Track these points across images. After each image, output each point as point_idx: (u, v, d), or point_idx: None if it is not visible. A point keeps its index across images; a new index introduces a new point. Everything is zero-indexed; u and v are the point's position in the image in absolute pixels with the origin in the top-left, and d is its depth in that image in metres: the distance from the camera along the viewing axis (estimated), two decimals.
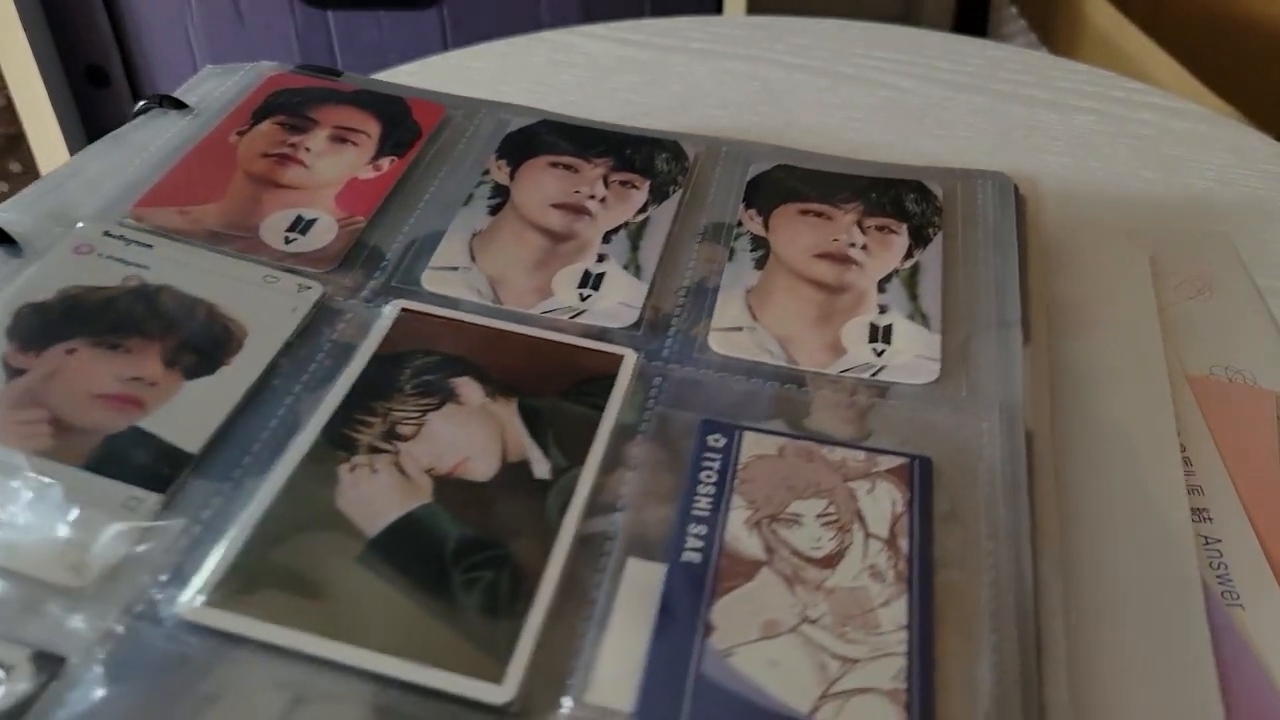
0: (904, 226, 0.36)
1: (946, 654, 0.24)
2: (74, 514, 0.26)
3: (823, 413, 0.30)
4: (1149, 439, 0.32)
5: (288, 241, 0.34)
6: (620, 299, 0.33)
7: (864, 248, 0.35)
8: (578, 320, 0.33)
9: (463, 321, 0.32)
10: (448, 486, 0.27)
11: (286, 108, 0.40)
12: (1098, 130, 0.49)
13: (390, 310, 0.32)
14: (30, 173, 1.07)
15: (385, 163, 0.38)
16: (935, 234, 0.36)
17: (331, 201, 0.36)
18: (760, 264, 0.35)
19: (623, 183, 0.38)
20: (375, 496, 0.27)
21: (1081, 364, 0.34)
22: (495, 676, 0.23)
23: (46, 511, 0.26)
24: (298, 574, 0.25)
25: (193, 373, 0.30)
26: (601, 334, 0.32)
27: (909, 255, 0.35)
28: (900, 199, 0.37)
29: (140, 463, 0.27)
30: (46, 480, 0.26)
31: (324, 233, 0.35)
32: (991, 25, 1.00)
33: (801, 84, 0.53)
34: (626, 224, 0.36)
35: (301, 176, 0.37)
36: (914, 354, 0.31)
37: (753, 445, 0.29)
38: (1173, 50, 0.75)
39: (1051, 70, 0.54)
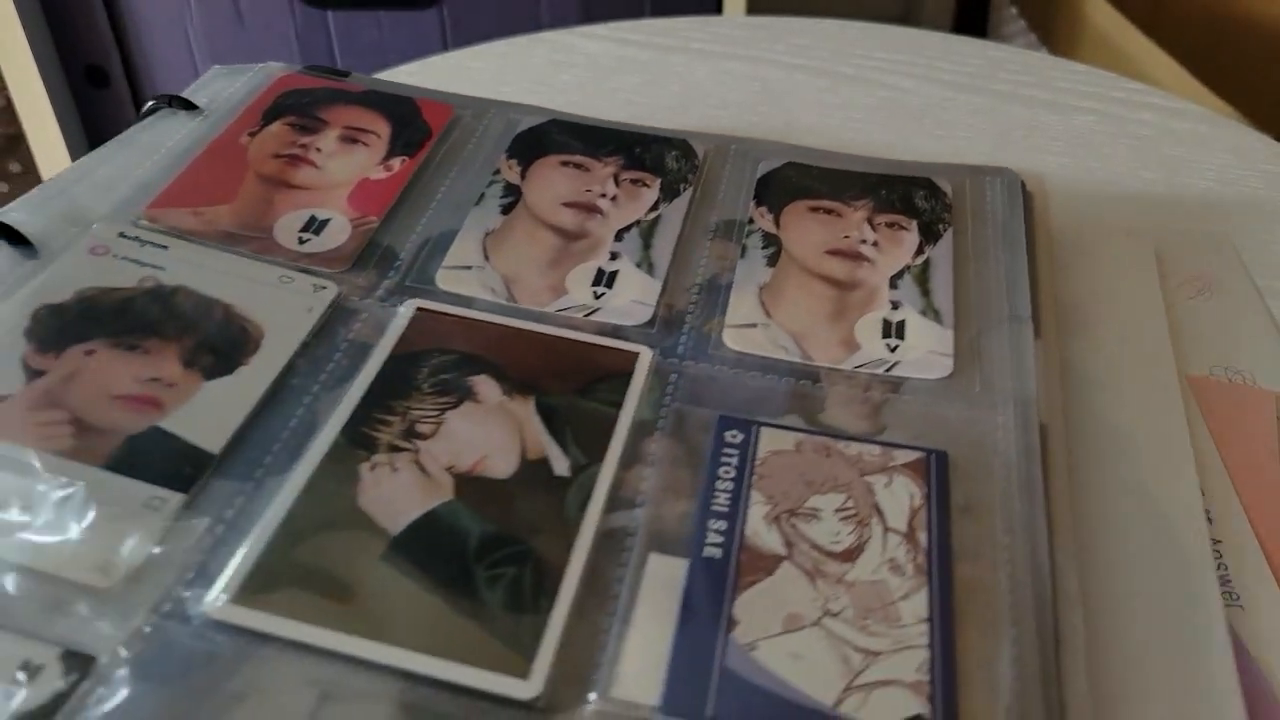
0: (914, 223, 0.36)
1: (966, 647, 0.24)
2: (98, 514, 0.26)
3: (837, 408, 0.30)
4: (1160, 437, 0.32)
5: (301, 242, 0.35)
6: (634, 296, 0.33)
7: (875, 244, 0.35)
8: (592, 318, 0.33)
9: (478, 320, 0.32)
10: (468, 484, 0.27)
11: (296, 108, 0.40)
12: (1098, 130, 0.49)
13: (406, 309, 0.32)
14: (30, 173, 1.07)
15: (396, 163, 0.38)
16: (945, 230, 0.36)
17: (344, 202, 0.36)
18: (772, 261, 0.35)
19: (633, 181, 0.38)
20: (396, 495, 0.27)
21: (1089, 362, 0.35)
22: (521, 672, 0.23)
23: (70, 512, 0.26)
24: (322, 572, 0.25)
25: (211, 373, 0.30)
26: (616, 331, 0.32)
27: (920, 251, 0.35)
28: (910, 196, 0.38)
29: (162, 463, 0.27)
30: (69, 481, 0.26)
31: (337, 233, 0.35)
32: (991, 25, 1.00)
33: (801, 84, 0.53)
34: (638, 222, 0.36)
35: (313, 177, 0.37)
36: (927, 349, 0.32)
37: (770, 441, 0.29)
38: (1173, 50, 0.75)
39: (1051, 70, 0.55)
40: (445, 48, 0.88)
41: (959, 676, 0.24)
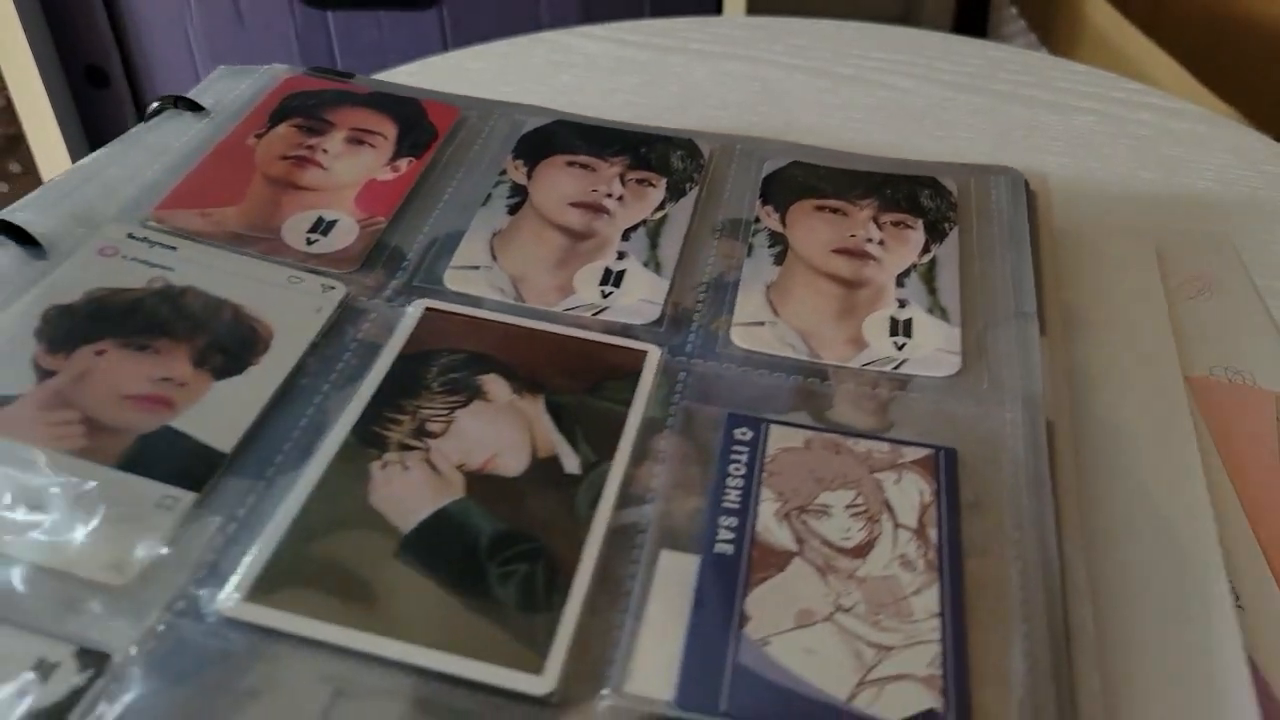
0: (919, 222, 0.37)
1: (977, 641, 0.24)
2: (111, 513, 0.26)
3: (845, 405, 0.30)
4: (1166, 436, 0.32)
5: (309, 243, 0.35)
6: (642, 296, 0.34)
7: (881, 243, 0.36)
8: (600, 317, 0.33)
9: (487, 320, 0.33)
10: (479, 482, 0.27)
11: (303, 110, 0.40)
12: (1097, 130, 0.50)
13: (414, 309, 0.33)
14: (30, 173, 1.07)
15: (403, 164, 0.38)
16: (951, 229, 0.36)
17: (351, 203, 0.36)
18: (779, 260, 0.35)
19: (639, 181, 0.38)
20: (408, 493, 0.27)
21: (1092, 362, 0.35)
22: (535, 668, 0.24)
23: (83, 510, 0.26)
24: (335, 569, 0.25)
25: (221, 373, 0.30)
26: (624, 330, 0.33)
27: (926, 250, 0.36)
28: (915, 195, 0.38)
29: (174, 462, 0.27)
30: (82, 480, 0.26)
31: (345, 234, 0.35)
32: (991, 25, 1.01)
33: (801, 84, 0.53)
34: (645, 221, 0.37)
35: (320, 178, 0.37)
36: (934, 347, 0.32)
37: (779, 438, 0.29)
38: (1173, 50, 0.75)
39: (1051, 70, 0.55)
40: (445, 48, 0.88)
41: (971, 671, 0.24)
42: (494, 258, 0.35)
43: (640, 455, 0.29)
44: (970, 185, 0.39)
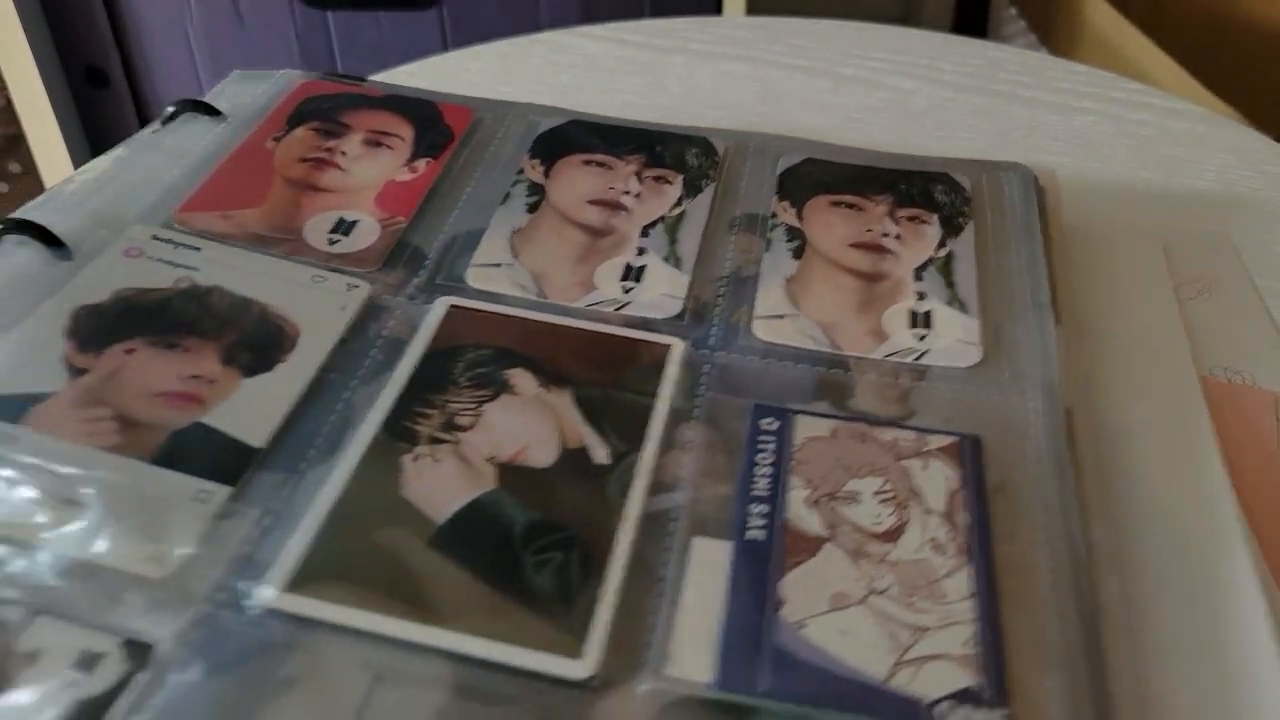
0: (935, 216, 0.37)
1: (1010, 621, 0.25)
2: (148, 507, 0.26)
3: (867, 394, 0.31)
4: (1180, 432, 0.32)
5: (331, 243, 0.35)
6: (663, 290, 0.34)
7: (898, 237, 0.36)
8: (622, 312, 0.33)
9: (510, 316, 0.33)
10: (510, 473, 0.28)
11: (320, 113, 0.41)
12: (1097, 130, 0.50)
13: (439, 306, 0.33)
14: (30, 173, 1.06)
15: (421, 165, 0.39)
16: (966, 223, 0.37)
17: (371, 203, 0.37)
18: (798, 254, 0.36)
19: (656, 178, 0.39)
20: (440, 484, 0.27)
21: (1103, 361, 0.35)
22: (574, 652, 0.24)
23: (120, 504, 0.26)
24: (372, 559, 0.25)
25: (250, 370, 0.30)
26: (646, 325, 0.33)
27: (942, 244, 0.36)
28: (929, 190, 0.38)
29: (208, 457, 0.27)
30: (118, 475, 0.27)
31: (366, 233, 0.35)
32: (991, 25, 1.01)
33: (801, 85, 0.54)
34: (663, 218, 0.37)
35: (339, 180, 0.38)
36: (954, 338, 0.32)
37: (806, 428, 0.29)
38: (1173, 50, 0.76)
39: (1051, 71, 0.55)
40: (445, 48, 0.88)
41: (1006, 650, 0.24)
42: (515, 255, 0.35)
43: (668, 445, 0.29)
44: (982, 181, 0.39)
